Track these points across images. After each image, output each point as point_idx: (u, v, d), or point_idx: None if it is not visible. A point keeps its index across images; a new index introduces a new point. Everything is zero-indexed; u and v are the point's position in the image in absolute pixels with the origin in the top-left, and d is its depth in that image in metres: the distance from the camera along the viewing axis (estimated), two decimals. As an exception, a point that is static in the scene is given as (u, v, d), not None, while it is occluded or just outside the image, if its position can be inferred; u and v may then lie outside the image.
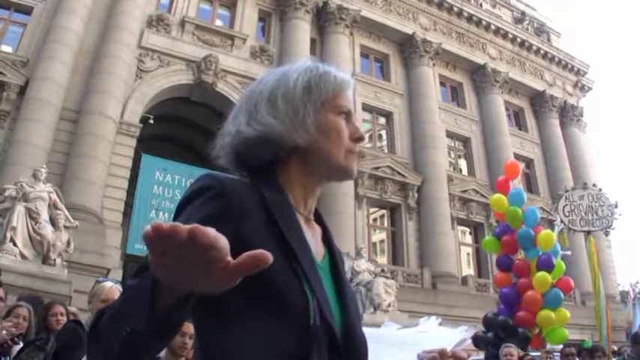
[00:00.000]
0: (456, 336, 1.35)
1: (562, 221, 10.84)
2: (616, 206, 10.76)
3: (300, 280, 1.03)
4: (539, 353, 8.81)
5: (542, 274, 8.84)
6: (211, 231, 0.72)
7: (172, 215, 1.08)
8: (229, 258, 0.73)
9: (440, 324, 1.50)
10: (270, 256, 0.73)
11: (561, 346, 8.90)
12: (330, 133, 1.20)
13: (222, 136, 1.23)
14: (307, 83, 1.21)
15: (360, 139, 1.25)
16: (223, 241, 0.72)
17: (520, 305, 9.04)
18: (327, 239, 1.26)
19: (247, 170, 1.20)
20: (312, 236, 1.20)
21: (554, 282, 8.99)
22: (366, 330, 1.17)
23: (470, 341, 1.36)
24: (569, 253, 11.39)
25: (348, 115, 1.25)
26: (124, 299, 0.89)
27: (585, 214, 10.63)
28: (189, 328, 2.94)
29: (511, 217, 9.70)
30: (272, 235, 1.05)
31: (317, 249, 1.19)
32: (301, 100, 1.19)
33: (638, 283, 22.06)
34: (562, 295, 8.98)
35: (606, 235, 14.66)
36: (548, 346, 9.07)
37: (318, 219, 1.28)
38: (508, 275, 9.68)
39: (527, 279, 9.06)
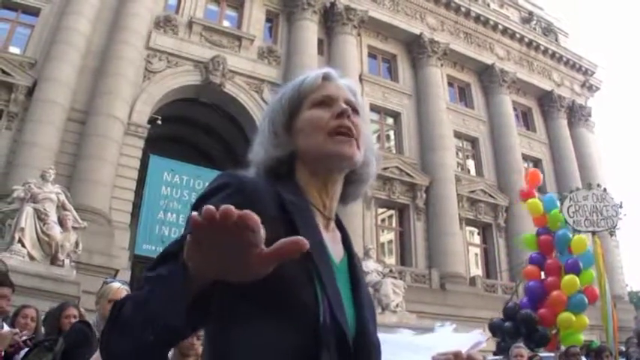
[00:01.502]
0: (470, 339, 1.32)
1: (567, 222, 10.81)
2: (620, 206, 10.70)
3: (311, 279, 1.02)
4: (552, 354, 8.78)
5: (571, 277, 8.88)
6: (254, 214, 0.77)
7: (183, 215, 1.07)
8: (263, 245, 0.78)
9: (455, 330, 1.47)
10: (306, 243, 0.78)
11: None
12: (305, 126, 1.22)
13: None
14: (275, 105, 1.28)
15: (341, 113, 1.22)
16: (260, 225, 0.78)
17: (543, 303, 9.11)
18: (346, 244, 1.27)
19: (273, 176, 1.22)
20: (332, 237, 1.21)
21: (582, 288, 9.05)
22: (379, 334, 1.16)
23: (484, 344, 1.33)
24: None
25: (327, 102, 1.24)
26: (153, 289, 0.90)
27: (590, 214, 10.59)
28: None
29: (552, 220, 9.92)
30: (288, 234, 1.03)
31: (336, 250, 1.19)
32: (270, 121, 1.26)
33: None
34: (587, 301, 9.02)
35: (611, 236, 14.55)
36: (562, 348, 9.06)
37: (339, 224, 1.31)
38: (538, 270, 9.79)
39: (557, 278, 9.13)
